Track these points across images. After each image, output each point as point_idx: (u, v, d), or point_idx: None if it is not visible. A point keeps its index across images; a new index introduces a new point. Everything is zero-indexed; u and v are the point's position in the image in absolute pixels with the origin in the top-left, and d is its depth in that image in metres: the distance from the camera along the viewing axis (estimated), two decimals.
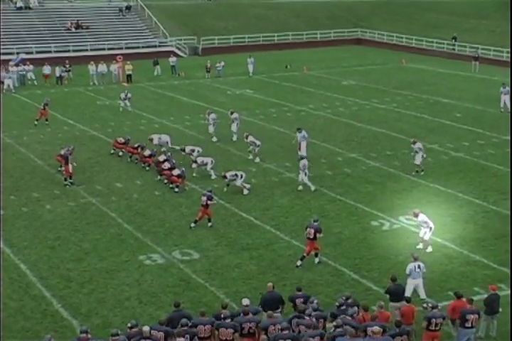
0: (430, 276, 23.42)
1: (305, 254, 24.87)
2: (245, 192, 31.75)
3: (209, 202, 28.18)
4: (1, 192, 32.15)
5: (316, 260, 25.01)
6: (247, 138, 36.44)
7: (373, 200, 30.96)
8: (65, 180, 33.13)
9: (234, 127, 40.70)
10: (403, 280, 21.56)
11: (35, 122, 44.06)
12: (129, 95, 47.91)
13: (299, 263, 24.81)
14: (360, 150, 38.06)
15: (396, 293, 20.57)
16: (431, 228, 25.64)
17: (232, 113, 41.33)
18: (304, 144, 36.06)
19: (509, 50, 63.79)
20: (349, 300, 19.25)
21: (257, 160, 36.12)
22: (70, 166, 32.98)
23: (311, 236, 24.65)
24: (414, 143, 34.42)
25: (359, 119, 44.75)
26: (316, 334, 17.58)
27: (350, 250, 26.18)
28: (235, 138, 40.38)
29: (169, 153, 34.94)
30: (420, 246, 25.91)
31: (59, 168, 34.59)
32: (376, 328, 17.61)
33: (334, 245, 26.58)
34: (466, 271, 24.38)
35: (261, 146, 36.25)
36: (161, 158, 33.99)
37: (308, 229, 24.75)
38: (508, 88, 45.17)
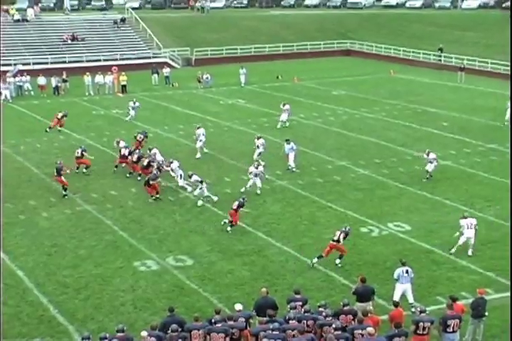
0: (418, 282, 23.44)
1: (324, 255, 25.13)
2: (215, 199, 31.71)
3: (240, 208, 28.57)
4: (1, 200, 32.13)
5: (337, 261, 25.22)
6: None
7: (362, 207, 30.99)
8: (65, 190, 32.75)
9: (284, 117, 45.31)
10: (393, 285, 21.67)
11: (47, 130, 44.66)
12: (137, 104, 48.35)
13: (315, 260, 25.12)
14: (349, 159, 38.12)
15: (364, 294, 20.66)
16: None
17: (284, 104, 45.85)
18: (292, 155, 36.02)
19: (495, 61, 64.03)
20: (346, 308, 19.27)
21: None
22: (63, 177, 32.75)
23: (336, 238, 24.98)
24: (428, 154, 34.62)
25: (349, 128, 44.82)
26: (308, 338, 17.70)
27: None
28: (279, 126, 45.05)
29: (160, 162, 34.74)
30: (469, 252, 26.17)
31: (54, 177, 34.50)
32: (370, 329, 17.70)
33: None
34: (454, 276, 24.42)
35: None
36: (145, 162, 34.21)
37: (337, 232, 25.21)
38: None
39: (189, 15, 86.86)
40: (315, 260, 25.10)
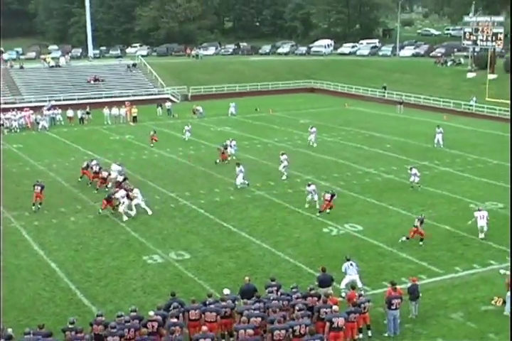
0: (368, 270, 23.58)
1: (409, 237, 26.40)
2: (125, 218, 30.38)
3: (332, 197, 30.32)
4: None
5: (421, 243, 26.23)
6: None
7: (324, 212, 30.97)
8: (40, 204, 31.74)
9: (311, 137, 45.70)
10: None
11: (151, 145, 46.36)
12: (190, 127, 49.51)
13: (403, 238, 26.40)
14: (313, 173, 38.10)
15: (324, 281, 20.73)
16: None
17: (311, 127, 46.80)
18: (241, 175, 35.03)
19: (426, 97, 64.43)
20: (312, 291, 19.41)
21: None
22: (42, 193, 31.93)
23: (415, 224, 26.28)
24: (411, 169, 34.88)
25: (313, 149, 44.81)
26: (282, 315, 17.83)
27: (306, 250, 26.20)
28: (315, 145, 45.44)
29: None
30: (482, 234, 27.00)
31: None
32: (336, 307, 18.05)
33: (294, 246, 26.61)
34: (396, 266, 24.50)
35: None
36: (120, 178, 33.83)
37: (415, 220, 26.55)
38: (441, 129, 44.94)
39: (186, 61, 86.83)
40: (403, 238, 26.35)
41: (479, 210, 27.16)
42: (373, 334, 19.21)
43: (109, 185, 34.66)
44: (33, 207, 31.68)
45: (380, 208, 31.58)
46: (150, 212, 30.91)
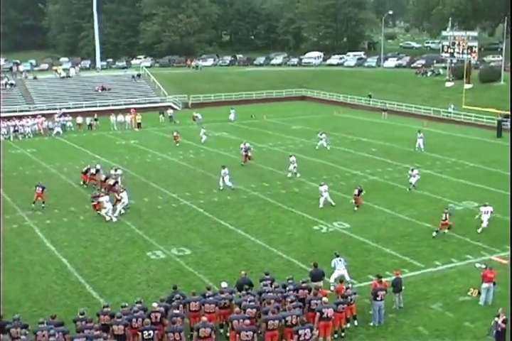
0: (355, 264, 23.57)
1: (438, 229, 26.69)
2: (107, 218, 29.83)
3: (360, 193, 30.76)
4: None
5: (446, 231, 26.68)
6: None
7: (315, 211, 30.95)
8: (43, 202, 31.77)
9: (324, 143, 45.71)
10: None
11: (177, 145, 47.90)
12: (205, 129, 50.04)
13: (434, 234, 26.60)
14: (304, 175, 37.95)
15: (316, 276, 20.72)
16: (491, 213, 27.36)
17: (321, 134, 46.51)
18: (227, 178, 34.78)
19: (408, 104, 64.52)
20: (304, 284, 19.47)
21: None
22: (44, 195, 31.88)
23: (444, 218, 26.53)
24: (412, 170, 34.90)
25: (304, 153, 44.70)
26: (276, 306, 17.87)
27: (298, 247, 26.19)
28: (329, 148, 45.49)
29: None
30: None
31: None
32: (325, 299, 18.05)
33: (287, 243, 26.59)
34: (380, 260, 24.51)
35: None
36: (111, 182, 33.23)
37: (445, 214, 26.61)
38: (422, 134, 45.11)
39: (187, 71, 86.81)
40: (434, 233, 26.55)
41: (485, 206, 27.38)
42: (359, 324, 19.26)
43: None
44: (33, 205, 31.65)
45: (365, 207, 31.53)
46: (114, 220, 29.79)
